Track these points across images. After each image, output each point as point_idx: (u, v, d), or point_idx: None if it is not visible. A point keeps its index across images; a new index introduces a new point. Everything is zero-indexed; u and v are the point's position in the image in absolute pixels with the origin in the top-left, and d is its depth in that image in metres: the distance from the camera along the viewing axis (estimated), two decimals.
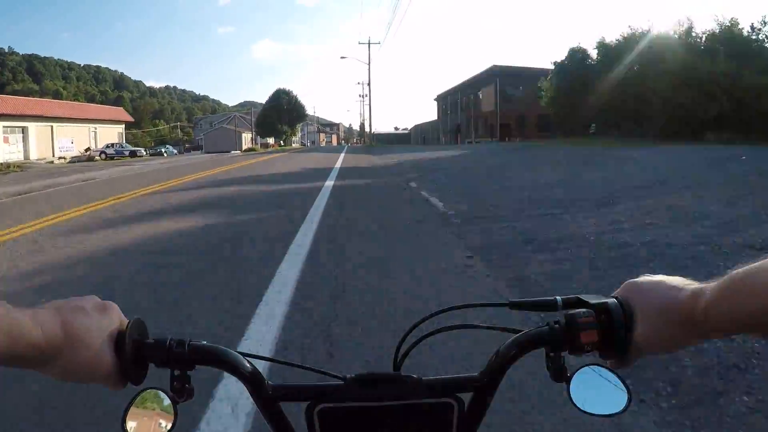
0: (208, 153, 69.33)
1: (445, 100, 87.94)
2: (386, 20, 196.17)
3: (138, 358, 0.72)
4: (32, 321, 0.59)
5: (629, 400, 0.77)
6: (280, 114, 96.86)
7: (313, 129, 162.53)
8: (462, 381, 0.80)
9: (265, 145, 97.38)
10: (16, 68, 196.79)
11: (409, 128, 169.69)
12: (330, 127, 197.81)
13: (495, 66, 63.67)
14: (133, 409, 0.73)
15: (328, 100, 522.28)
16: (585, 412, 0.78)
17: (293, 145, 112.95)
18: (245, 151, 71.15)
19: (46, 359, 0.62)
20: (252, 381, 0.77)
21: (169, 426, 0.73)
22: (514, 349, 0.79)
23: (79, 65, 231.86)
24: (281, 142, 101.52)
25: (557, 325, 0.78)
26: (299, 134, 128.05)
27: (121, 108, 72.45)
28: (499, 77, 61.92)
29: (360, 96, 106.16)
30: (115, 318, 0.72)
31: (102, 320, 0.69)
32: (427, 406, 0.77)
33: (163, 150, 73.11)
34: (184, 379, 0.75)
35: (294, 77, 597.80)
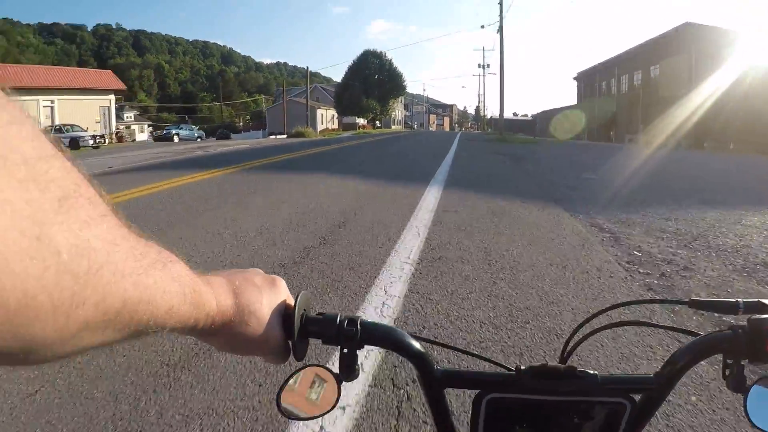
0: (258, 138, 52.12)
1: (590, 79, 68.82)
2: None
3: (305, 334, 0.71)
4: (209, 291, 0.57)
5: None
6: (368, 85, 76.23)
7: (422, 109, 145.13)
8: (636, 381, 0.77)
9: (353, 127, 78.39)
10: (122, 43, 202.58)
11: (530, 115, 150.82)
12: (442, 108, 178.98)
13: (688, 24, 42.24)
14: (291, 385, 0.73)
15: (441, 81, 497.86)
16: (759, 428, 0.72)
17: (394, 127, 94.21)
18: (316, 132, 53.36)
19: (216, 330, 0.60)
20: (421, 364, 0.75)
21: (331, 405, 0.72)
22: (692, 352, 0.75)
23: (187, 40, 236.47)
24: (378, 122, 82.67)
25: (741, 331, 0.73)
26: (399, 112, 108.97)
27: (110, 72, 51.20)
28: (694, 43, 40.78)
29: (479, 66, 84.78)
30: (283, 292, 0.71)
31: (271, 294, 0.68)
32: (599, 404, 0.74)
33: (174, 132, 54.46)
34: (352, 358, 0.72)
35: (407, 58, 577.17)
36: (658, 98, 45.69)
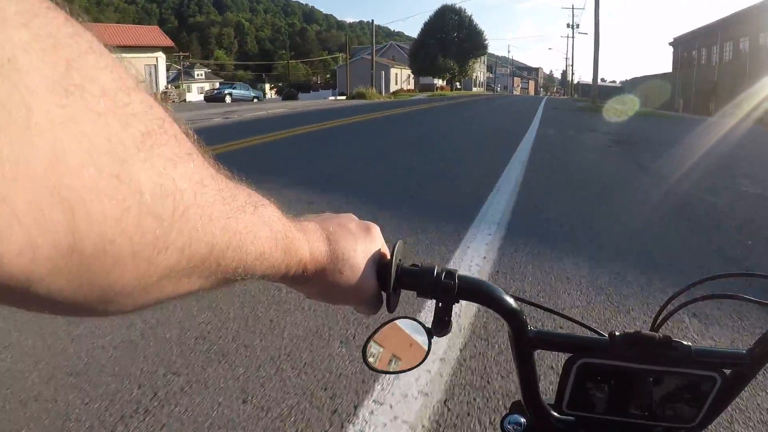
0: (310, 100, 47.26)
1: (688, 45, 63.22)
2: None
3: (400, 285, 0.69)
4: (302, 235, 0.56)
5: None
6: (445, 43, 70.56)
7: (506, 72, 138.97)
8: (729, 356, 0.76)
9: (430, 88, 73.53)
10: (204, 1, 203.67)
11: (618, 81, 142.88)
12: (527, 71, 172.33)
13: None
14: (380, 337, 0.72)
15: (527, 42, 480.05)
16: None
17: (475, 89, 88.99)
18: (383, 96, 48.12)
19: (308, 278, 0.59)
20: (515, 323, 0.74)
21: (420, 359, 0.72)
22: None
23: None
24: (458, 84, 77.66)
25: None
26: (481, 74, 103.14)
27: (156, 27, 47.21)
28: None
29: (567, 26, 78.09)
30: (378, 240, 0.68)
31: (366, 241, 0.66)
32: (691, 377, 0.74)
33: (227, 92, 48.53)
34: (447, 312, 0.71)
35: (492, 18, 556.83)
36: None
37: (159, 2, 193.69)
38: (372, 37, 52.17)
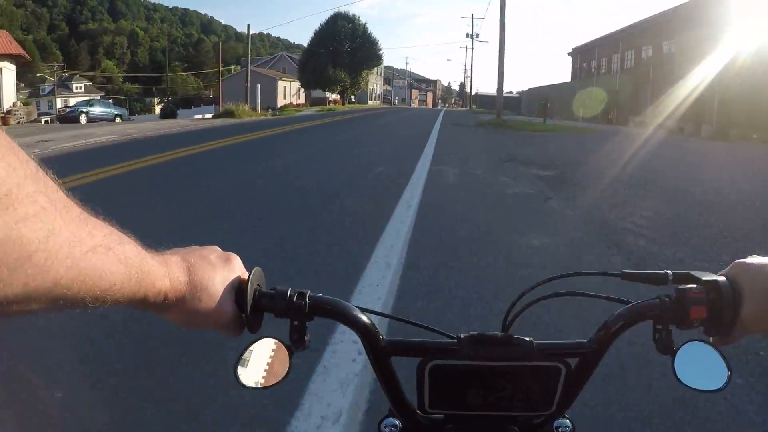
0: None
1: (588, 54, 63.23)
2: None
3: (257, 308, 0.75)
4: (162, 268, 0.61)
5: (729, 377, 0.78)
6: (337, 53, 64.27)
7: (404, 84, 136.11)
8: (571, 347, 0.82)
9: (322, 102, 67.60)
10: (97, 7, 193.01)
11: (515, 92, 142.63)
12: (425, 83, 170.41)
13: None
14: (246, 357, 0.77)
15: (425, 55, 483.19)
16: (687, 386, 0.80)
17: (371, 102, 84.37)
18: (264, 111, 40.62)
19: (169, 305, 0.64)
20: (367, 334, 0.79)
21: (282, 375, 0.77)
22: (623, 319, 0.81)
23: (166, 7, 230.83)
24: (352, 97, 72.42)
25: (668, 299, 0.80)
26: (377, 86, 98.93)
27: (4, 32, 35.50)
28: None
29: (467, 36, 75.02)
30: (237, 268, 0.74)
31: (225, 270, 0.72)
32: (536, 369, 0.79)
33: (82, 110, 39.01)
34: (302, 330, 0.77)
35: (393, 33, 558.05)
36: (673, 77, 37.42)
37: (50, 7, 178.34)
38: (248, 45, 43.33)
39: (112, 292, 0.50)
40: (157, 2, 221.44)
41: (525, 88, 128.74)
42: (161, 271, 0.60)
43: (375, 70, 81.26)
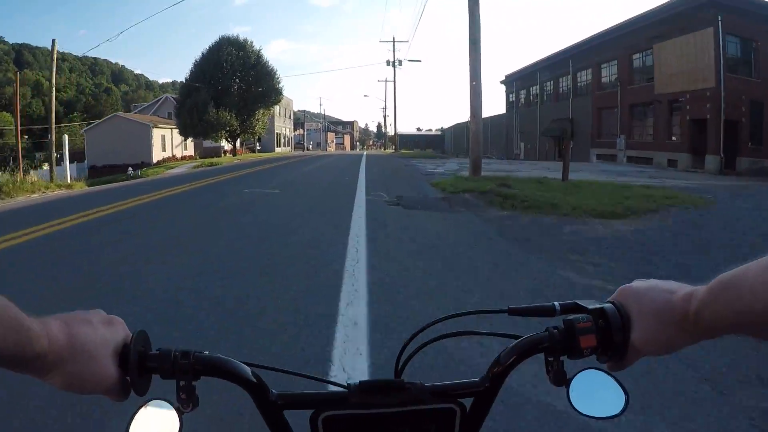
0: None
1: (527, 81, 56.73)
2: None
3: (143, 370, 0.74)
4: (40, 329, 0.61)
5: (627, 402, 0.79)
6: (223, 88, 49.48)
7: (318, 126, 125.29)
8: (463, 386, 0.82)
9: (216, 152, 54.56)
10: (2, 57, 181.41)
11: (434, 129, 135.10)
12: (342, 125, 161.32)
13: None
14: (137, 420, 0.74)
15: (342, 96, 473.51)
16: (584, 415, 0.80)
17: (279, 150, 71.98)
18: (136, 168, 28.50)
19: (49, 368, 0.64)
20: (256, 390, 0.78)
21: None
22: (513, 354, 0.81)
23: (76, 56, 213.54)
24: (257, 143, 59.31)
25: (556, 331, 0.80)
26: (286, 130, 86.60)
27: None
28: (723, 14, 28.13)
29: (387, 63, 65.17)
30: (120, 331, 0.74)
31: (107, 333, 0.71)
32: (430, 412, 0.79)
33: None
34: (189, 389, 0.75)
35: (307, 77, 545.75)
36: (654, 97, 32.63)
37: None
38: (52, 66, 26.53)
39: None
40: (66, 51, 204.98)
41: (446, 125, 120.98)
42: (39, 332, 0.60)
43: (280, 110, 68.62)
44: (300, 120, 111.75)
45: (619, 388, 0.78)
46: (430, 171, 23.98)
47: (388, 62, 66.60)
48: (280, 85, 53.39)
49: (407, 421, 0.77)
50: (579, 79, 44.57)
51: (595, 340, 0.77)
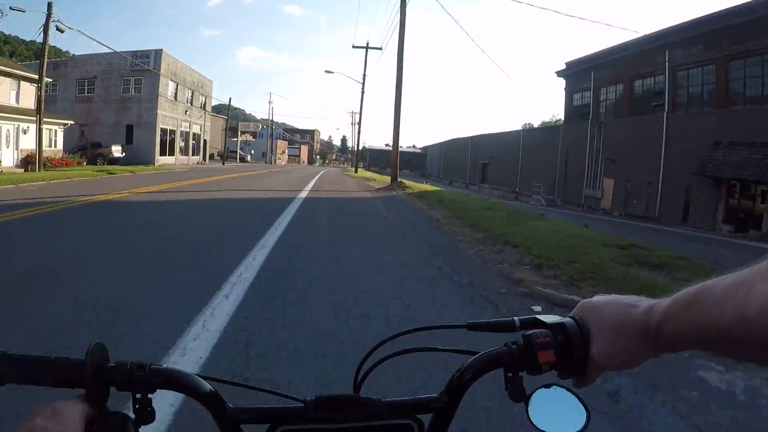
0: None
1: (619, 71, 34.78)
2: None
3: (99, 381, 0.72)
4: None
5: (588, 418, 0.78)
6: None
7: (258, 128, 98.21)
8: (422, 402, 0.81)
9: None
10: None
11: (417, 146, 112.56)
12: (301, 134, 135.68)
13: None
14: None
15: (307, 109, 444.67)
16: (543, 431, 0.79)
17: (166, 160, 44.45)
18: None
19: None
20: (213, 404, 0.77)
21: None
22: (472, 370, 0.81)
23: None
24: (115, 147, 32.39)
25: (515, 346, 0.80)
26: (191, 127, 57.99)
27: None
28: None
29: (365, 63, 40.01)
30: (71, 412, 0.66)
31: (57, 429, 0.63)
32: (387, 428, 0.79)
33: None
34: (145, 402, 0.74)
35: (279, 85, 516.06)
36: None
37: None
38: None
39: None
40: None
41: (431, 142, 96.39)
42: None
43: (179, 90, 44.77)
44: (236, 121, 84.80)
45: (581, 405, 0.77)
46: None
47: (354, 46, 43.71)
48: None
49: None
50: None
51: (554, 355, 0.76)
